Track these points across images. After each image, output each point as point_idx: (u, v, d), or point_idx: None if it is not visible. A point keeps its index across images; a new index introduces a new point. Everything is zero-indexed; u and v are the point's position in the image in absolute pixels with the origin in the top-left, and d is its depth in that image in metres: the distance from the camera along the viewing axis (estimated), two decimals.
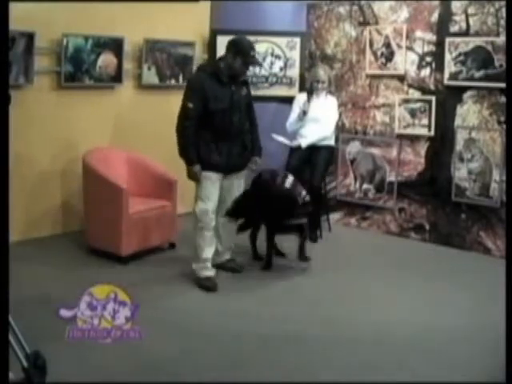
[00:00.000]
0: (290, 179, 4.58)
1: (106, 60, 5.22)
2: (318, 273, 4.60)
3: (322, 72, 5.47)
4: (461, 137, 5.19)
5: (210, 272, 4.24)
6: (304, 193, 4.56)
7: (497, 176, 4.99)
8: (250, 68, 5.77)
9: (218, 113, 4.07)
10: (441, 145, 5.35)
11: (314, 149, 5.36)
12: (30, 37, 4.64)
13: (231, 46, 4.14)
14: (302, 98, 5.49)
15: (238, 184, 4.39)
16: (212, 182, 4.16)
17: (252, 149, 4.34)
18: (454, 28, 5.16)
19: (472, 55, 5.01)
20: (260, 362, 3.16)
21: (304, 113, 5.30)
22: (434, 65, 5.32)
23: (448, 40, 5.16)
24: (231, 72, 4.12)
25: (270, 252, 4.57)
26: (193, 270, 4.25)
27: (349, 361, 3.22)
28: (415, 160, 5.52)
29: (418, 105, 5.44)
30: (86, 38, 5.04)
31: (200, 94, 4.04)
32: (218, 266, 4.43)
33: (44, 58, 4.91)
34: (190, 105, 4.03)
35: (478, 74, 5.00)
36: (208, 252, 4.22)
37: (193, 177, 4.13)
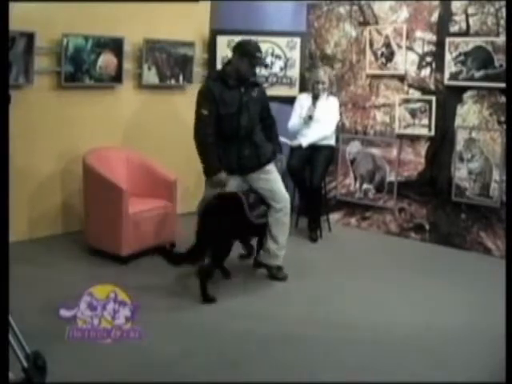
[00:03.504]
0: None
1: (106, 60, 5.22)
2: (318, 273, 4.60)
3: (322, 73, 5.51)
4: (461, 137, 5.19)
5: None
6: None
7: (497, 176, 4.99)
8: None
9: (227, 116, 4.10)
10: (441, 145, 5.35)
11: (314, 148, 5.38)
12: (29, 37, 4.63)
13: (237, 48, 4.16)
14: (303, 98, 5.51)
15: (275, 177, 4.33)
16: (214, 186, 4.18)
17: (273, 147, 4.39)
18: (453, 28, 5.16)
19: (472, 55, 5.01)
20: (260, 362, 3.16)
21: (310, 117, 5.33)
22: (434, 65, 5.32)
23: (448, 40, 5.16)
24: (238, 74, 4.14)
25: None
26: None
27: (348, 361, 3.22)
28: (415, 160, 5.52)
29: (418, 105, 5.44)
30: (86, 37, 5.04)
31: (211, 100, 4.06)
32: (264, 266, 4.41)
33: (44, 58, 4.91)
34: (205, 112, 4.06)
35: (477, 74, 5.00)
36: None
37: (219, 184, 4.15)
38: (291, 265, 4.55)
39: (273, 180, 4.33)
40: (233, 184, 4.23)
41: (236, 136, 4.17)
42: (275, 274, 4.39)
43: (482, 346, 3.38)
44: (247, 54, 4.11)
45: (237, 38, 5.83)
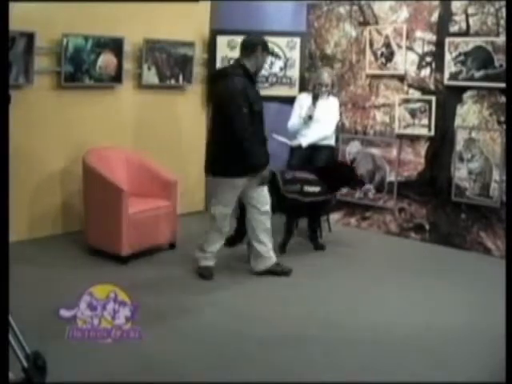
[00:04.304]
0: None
1: (106, 60, 5.22)
2: (318, 273, 4.60)
3: (326, 75, 5.49)
4: (461, 137, 5.19)
5: (209, 262, 4.37)
6: None
7: (497, 176, 4.99)
8: None
9: (257, 114, 4.11)
10: (441, 145, 5.35)
11: (314, 148, 5.37)
12: (29, 37, 4.63)
13: (257, 44, 4.17)
14: (303, 98, 5.50)
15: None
16: (236, 188, 4.20)
17: None
18: (453, 28, 5.16)
19: (472, 55, 5.01)
20: (259, 362, 3.16)
21: (310, 117, 5.32)
22: (433, 65, 5.32)
23: (448, 40, 5.16)
24: (258, 70, 4.22)
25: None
26: (195, 258, 4.41)
27: (348, 361, 3.21)
28: (415, 160, 5.52)
29: (417, 105, 5.44)
30: (85, 37, 5.04)
31: (245, 97, 4.04)
32: (268, 272, 4.42)
33: (44, 58, 4.91)
34: (245, 110, 4.01)
35: (477, 74, 5.00)
36: (214, 247, 4.37)
37: (265, 179, 4.22)
38: (291, 265, 4.55)
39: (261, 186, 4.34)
40: (236, 187, 4.21)
41: (262, 133, 4.19)
42: (278, 270, 4.42)
43: (482, 346, 3.38)
44: (266, 49, 4.21)
45: (237, 38, 5.86)
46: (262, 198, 4.32)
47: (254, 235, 4.37)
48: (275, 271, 4.43)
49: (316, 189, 4.93)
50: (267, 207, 4.36)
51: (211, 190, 4.43)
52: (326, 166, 5.18)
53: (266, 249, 4.40)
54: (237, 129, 4.03)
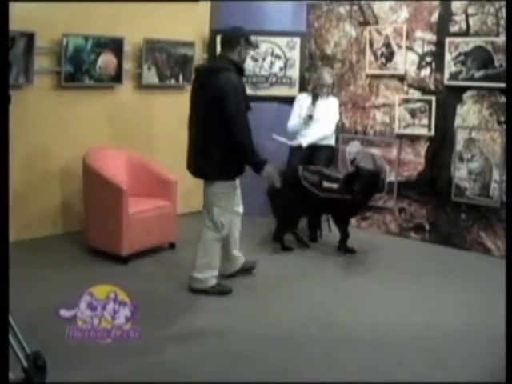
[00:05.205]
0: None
1: (106, 60, 5.23)
2: (318, 273, 4.60)
3: (328, 76, 5.47)
4: (461, 137, 5.19)
5: (216, 279, 4.10)
6: None
7: (497, 176, 4.99)
8: (251, 67, 5.92)
9: (248, 110, 3.89)
10: (441, 145, 5.35)
11: (314, 148, 5.37)
12: (29, 37, 4.64)
13: (239, 38, 3.93)
14: (303, 98, 5.49)
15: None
16: (235, 190, 4.07)
17: None
18: (453, 28, 5.16)
19: (472, 55, 5.01)
20: (260, 362, 3.16)
21: (310, 117, 5.31)
22: (433, 65, 5.32)
23: (448, 40, 5.16)
24: (242, 63, 4.00)
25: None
26: (198, 280, 4.02)
27: (348, 361, 3.22)
28: (415, 160, 5.52)
29: (417, 105, 5.44)
30: (86, 37, 5.04)
31: (242, 93, 3.87)
32: (238, 272, 4.37)
33: (44, 58, 4.91)
34: (243, 106, 3.82)
35: (477, 74, 5.00)
36: (218, 260, 4.11)
37: (272, 176, 3.95)
38: (291, 265, 4.55)
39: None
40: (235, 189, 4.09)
41: (250, 132, 3.91)
42: (248, 267, 4.40)
43: (482, 346, 3.38)
44: (249, 42, 4.01)
45: None
46: (238, 199, 4.22)
47: (230, 237, 4.21)
48: (245, 268, 4.38)
49: (334, 185, 4.87)
50: (241, 208, 4.28)
51: (206, 198, 4.02)
52: (352, 174, 4.94)
53: (238, 250, 4.35)
54: (240, 127, 3.79)
